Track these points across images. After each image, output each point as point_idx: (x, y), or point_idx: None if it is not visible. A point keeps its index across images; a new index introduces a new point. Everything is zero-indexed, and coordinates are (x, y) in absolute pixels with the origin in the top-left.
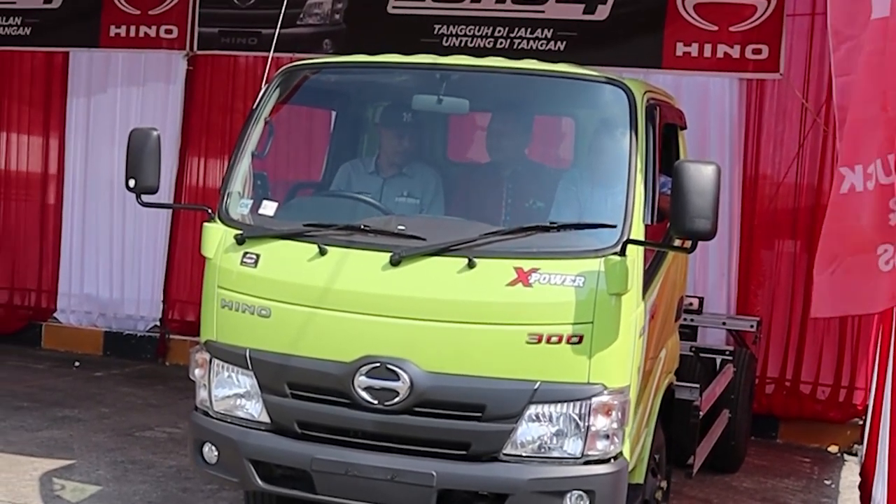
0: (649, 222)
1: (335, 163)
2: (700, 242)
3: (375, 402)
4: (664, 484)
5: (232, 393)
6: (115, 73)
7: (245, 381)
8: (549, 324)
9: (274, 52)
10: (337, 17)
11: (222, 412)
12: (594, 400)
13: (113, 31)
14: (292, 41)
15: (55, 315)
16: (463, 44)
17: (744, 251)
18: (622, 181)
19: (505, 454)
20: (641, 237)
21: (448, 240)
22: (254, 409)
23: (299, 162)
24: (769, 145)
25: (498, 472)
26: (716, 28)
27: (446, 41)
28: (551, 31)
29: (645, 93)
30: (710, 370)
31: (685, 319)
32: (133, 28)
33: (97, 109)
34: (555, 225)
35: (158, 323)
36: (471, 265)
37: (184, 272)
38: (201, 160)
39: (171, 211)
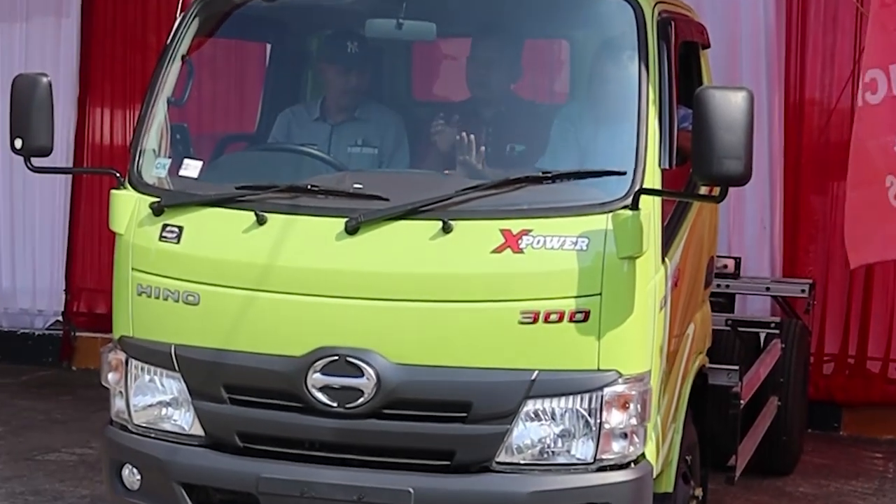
0: (667, 166)
1: (272, 109)
2: (732, 189)
3: (334, 404)
4: (699, 492)
5: (155, 401)
6: None
7: (171, 386)
8: (547, 298)
9: None
10: None
11: (144, 425)
12: (607, 391)
13: None
14: None
15: None
16: None
17: (789, 197)
18: (631, 116)
19: (498, 463)
20: (658, 185)
21: (416, 198)
22: (183, 419)
23: (228, 109)
24: (816, 63)
25: (491, 486)
26: None
27: None
28: None
29: (655, 4)
30: (751, 348)
31: (718, 286)
32: None
33: None
34: (549, 174)
35: (61, 318)
36: (446, 229)
37: (90, 253)
38: (105, 112)
39: (70, 177)
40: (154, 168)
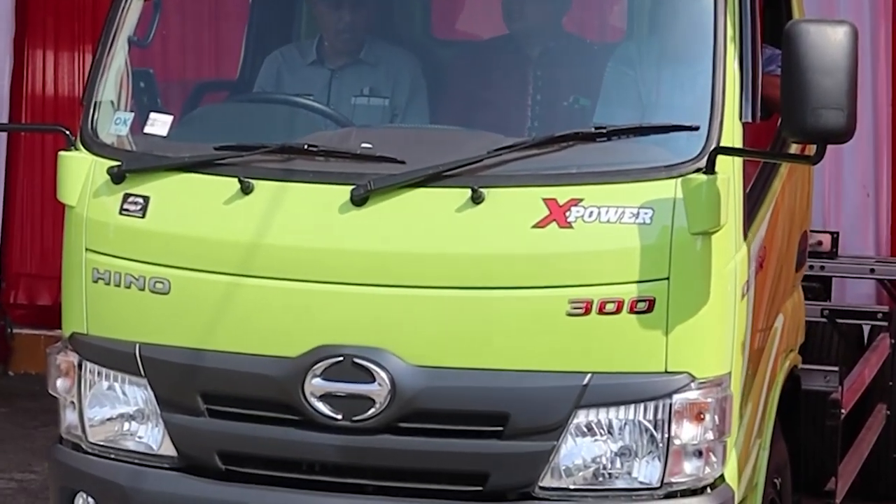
0: (749, 119)
1: (258, 51)
2: (830, 147)
3: (339, 416)
4: None
5: (116, 413)
6: None
7: (136, 395)
8: (602, 284)
9: None
10: None
11: (102, 444)
12: (677, 398)
13: None
14: None
15: None
16: None
17: None
18: (705, 57)
19: (542, 488)
20: (739, 143)
21: (439, 161)
22: (151, 436)
23: (203, 51)
24: None
25: None
26: None
27: None
28: None
29: None
30: (853, 344)
31: (811, 268)
32: None
33: None
34: (603, 130)
35: None
36: (476, 199)
37: (30, 230)
38: (49, 56)
39: (4, 137)
40: (113, 124)
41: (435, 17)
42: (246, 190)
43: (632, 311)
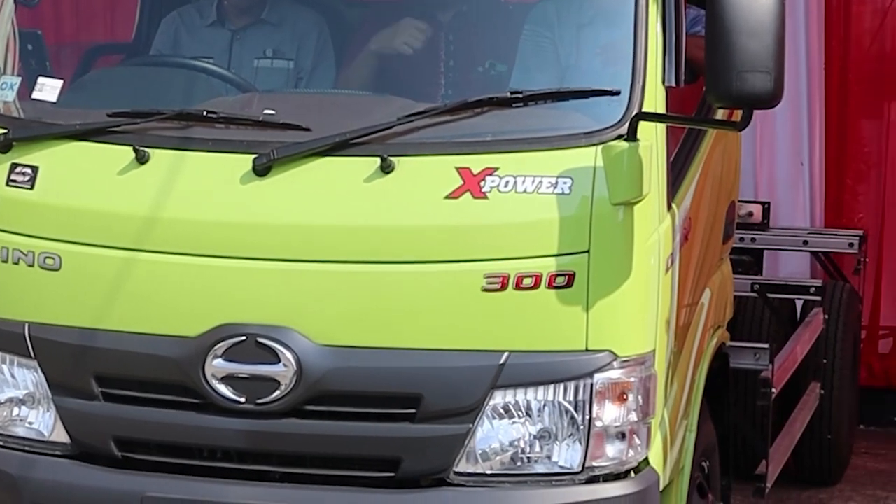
0: (673, 83)
1: (154, 11)
2: (758, 113)
3: (242, 399)
4: None
5: (4, 398)
6: None
7: (25, 378)
8: (519, 257)
9: None
10: None
11: None
12: (598, 377)
13: None
14: None
15: None
16: None
17: (832, 124)
18: (626, 18)
19: (458, 473)
20: (662, 108)
21: (346, 128)
22: (42, 422)
23: (95, 11)
24: None
25: None
26: None
27: None
28: None
29: None
30: (785, 320)
31: (741, 240)
32: None
33: None
34: (519, 95)
35: None
36: (385, 168)
37: None
38: None
39: None
40: None
41: None
42: (141, 159)
43: (550, 286)
